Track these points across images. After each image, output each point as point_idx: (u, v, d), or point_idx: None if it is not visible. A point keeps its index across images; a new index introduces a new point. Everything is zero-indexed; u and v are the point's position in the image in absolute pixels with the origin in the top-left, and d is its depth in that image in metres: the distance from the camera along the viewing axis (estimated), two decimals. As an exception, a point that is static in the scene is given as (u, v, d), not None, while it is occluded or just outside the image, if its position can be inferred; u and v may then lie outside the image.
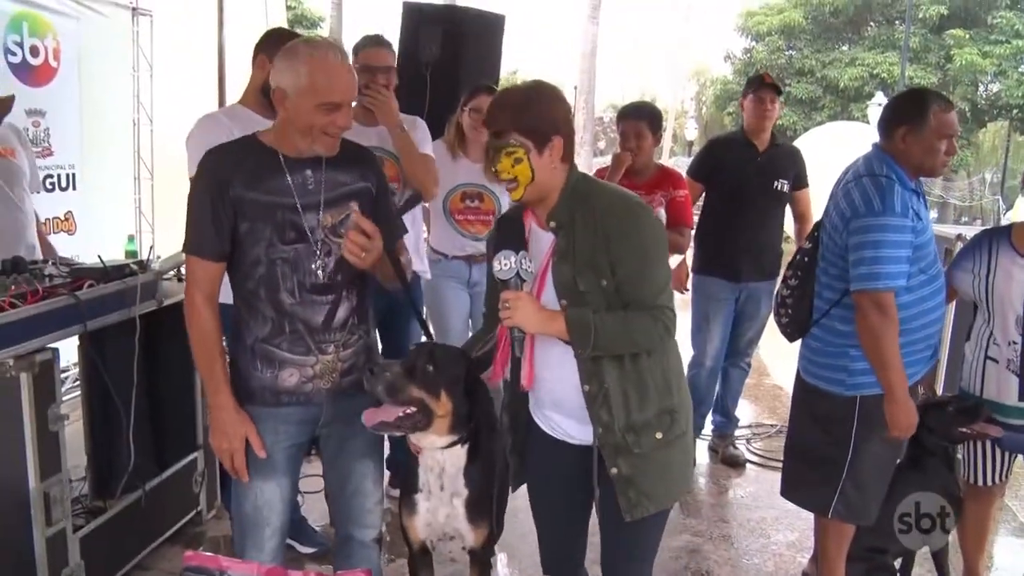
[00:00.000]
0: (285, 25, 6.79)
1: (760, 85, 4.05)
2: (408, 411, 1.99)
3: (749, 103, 4.06)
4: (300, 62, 1.92)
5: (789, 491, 2.84)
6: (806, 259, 2.75)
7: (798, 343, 2.80)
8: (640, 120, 3.67)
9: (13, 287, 2.47)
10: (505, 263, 1.90)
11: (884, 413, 2.52)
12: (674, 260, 4.06)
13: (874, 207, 2.45)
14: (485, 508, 2.17)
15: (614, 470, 1.93)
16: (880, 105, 19.43)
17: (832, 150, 9.04)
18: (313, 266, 2.02)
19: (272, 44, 2.79)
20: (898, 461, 2.76)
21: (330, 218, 2.04)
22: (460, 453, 2.12)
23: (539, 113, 1.88)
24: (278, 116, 2.01)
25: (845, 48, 24.40)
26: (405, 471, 2.29)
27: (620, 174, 3.59)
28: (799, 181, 4.12)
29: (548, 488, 2.15)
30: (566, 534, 2.19)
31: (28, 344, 2.36)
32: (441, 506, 2.17)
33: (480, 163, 3.68)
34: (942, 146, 2.51)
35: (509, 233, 1.99)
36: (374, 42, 3.13)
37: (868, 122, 18.66)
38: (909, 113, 2.53)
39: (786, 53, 24.35)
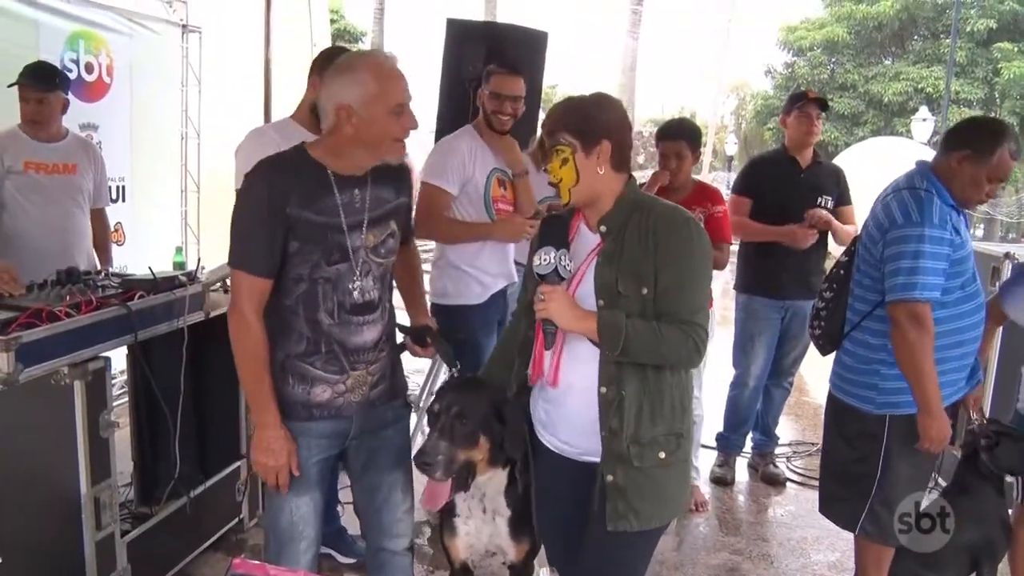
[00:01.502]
0: (328, 40, 6.90)
1: (806, 100, 4.00)
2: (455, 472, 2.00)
3: (794, 119, 4.00)
4: (362, 71, 1.93)
5: (824, 507, 2.82)
6: (842, 272, 2.74)
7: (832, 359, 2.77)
8: (679, 140, 3.66)
9: (68, 297, 2.54)
10: (545, 258, 1.92)
11: (915, 432, 2.48)
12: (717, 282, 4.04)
13: (912, 218, 2.42)
14: (526, 524, 2.18)
15: (609, 477, 1.93)
16: (925, 120, 19.19)
17: (875, 167, 8.95)
18: (351, 286, 2.03)
19: (323, 62, 2.85)
20: (944, 485, 2.71)
21: (373, 238, 2.06)
22: (501, 477, 2.13)
23: (589, 115, 1.92)
24: (333, 134, 1.98)
25: (889, 62, 24.06)
26: None
27: (654, 191, 3.58)
28: (842, 199, 4.08)
29: (550, 504, 2.15)
30: (569, 546, 2.16)
31: (82, 353, 2.42)
32: (484, 526, 2.19)
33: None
34: (988, 186, 2.49)
35: (552, 231, 2.01)
36: (510, 70, 3.20)
37: (912, 137, 18.39)
38: (979, 140, 2.49)
39: (828, 68, 24.09)
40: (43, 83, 3.46)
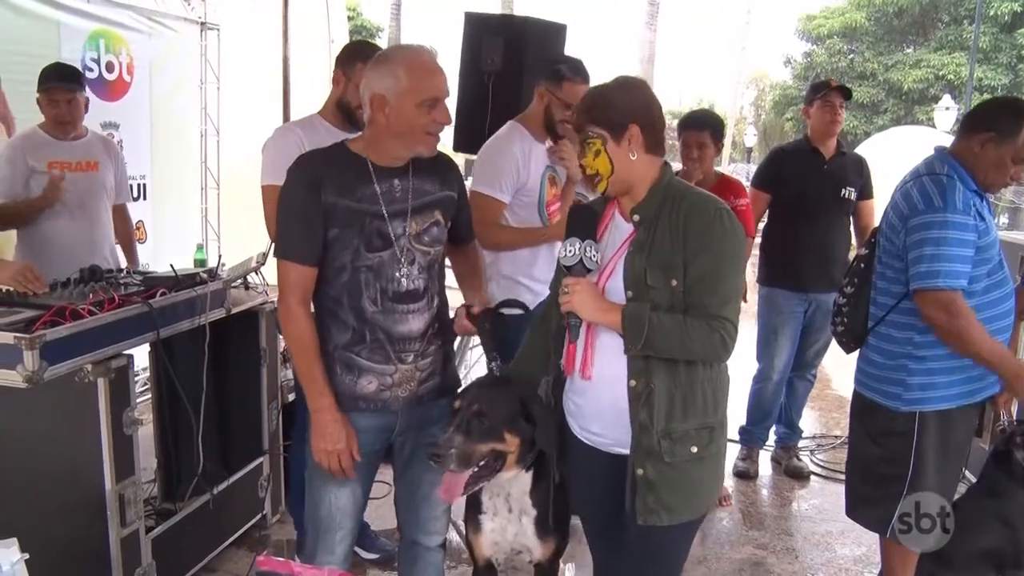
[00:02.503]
0: (346, 36, 6.90)
1: (829, 89, 3.95)
2: (479, 465, 1.98)
3: (817, 109, 3.96)
4: (396, 64, 1.96)
5: (852, 510, 2.73)
6: (862, 265, 2.66)
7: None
8: (702, 130, 3.62)
9: (92, 295, 2.56)
10: (570, 249, 1.91)
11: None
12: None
13: (934, 203, 2.36)
14: (553, 523, 2.16)
15: (640, 471, 1.91)
16: (948, 109, 18.90)
17: (898, 157, 8.82)
18: (397, 274, 2.04)
19: (346, 58, 2.87)
20: (968, 488, 2.65)
21: (415, 225, 2.06)
22: (525, 479, 2.11)
23: (611, 102, 1.90)
24: (370, 125, 2.02)
25: (910, 50, 23.79)
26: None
27: None
28: (865, 191, 4.03)
29: (585, 494, 2.14)
30: (611, 538, 2.15)
31: (105, 350, 2.44)
32: (509, 525, 2.17)
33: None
34: (1013, 168, 2.42)
35: (580, 221, 1.98)
36: (582, 77, 2.95)
37: (934, 126, 18.16)
38: (1001, 122, 2.41)
39: (847, 56, 23.86)
40: (71, 82, 3.49)
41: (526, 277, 3.02)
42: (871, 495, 2.62)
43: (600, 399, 1.99)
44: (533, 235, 3.02)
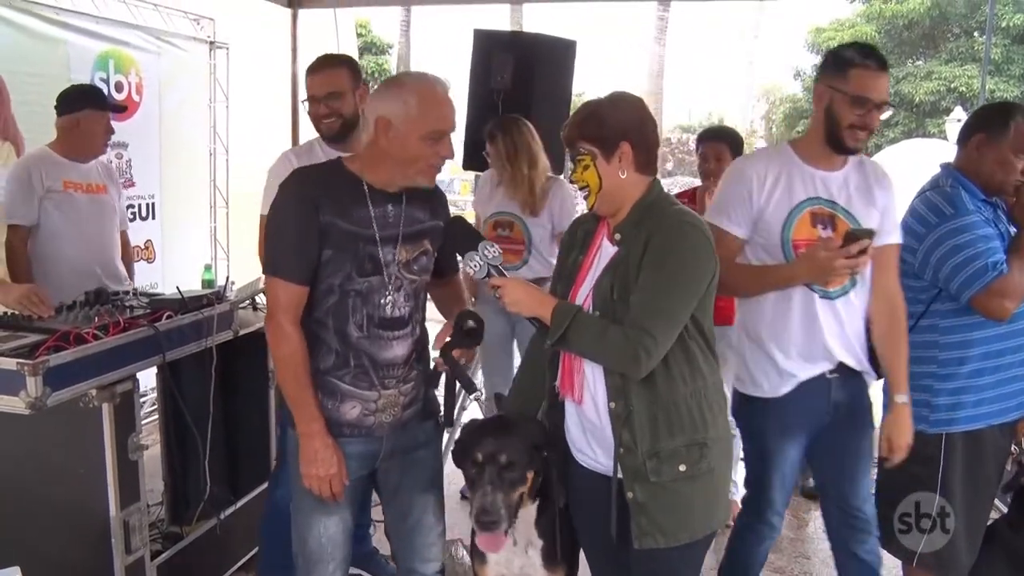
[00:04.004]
0: (356, 54, 6.92)
1: None
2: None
3: None
4: (408, 91, 1.93)
5: (887, 542, 2.59)
6: None
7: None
8: (721, 142, 3.59)
9: (97, 318, 2.54)
10: (474, 264, 1.92)
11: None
12: None
13: (945, 213, 2.34)
14: (561, 553, 2.11)
15: (630, 494, 1.88)
16: (960, 121, 18.78)
17: (910, 170, 8.71)
18: (383, 300, 2.00)
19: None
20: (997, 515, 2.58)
21: (405, 253, 2.03)
22: (530, 509, 2.07)
23: (603, 120, 1.88)
24: (371, 145, 1.97)
25: (920, 62, 23.70)
26: None
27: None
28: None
29: (586, 518, 2.09)
30: (614, 565, 2.09)
31: (110, 375, 2.40)
32: (515, 558, 2.12)
33: (513, 192, 3.68)
34: (1019, 162, 2.37)
35: (459, 234, 2.01)
36: (876, 63, 2.24)
37: (946, 139, 18.05)
38: (989, 121, 2.43)
39: (858, 69, 23.78)
40: (105, 103, 3.49)
41: (773, 341, 2.32)
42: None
43: (592, 422, 1.96)
44: (766, 276, 2.31)
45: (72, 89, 3.50)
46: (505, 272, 1.95)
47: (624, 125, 1.87)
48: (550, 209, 3.67)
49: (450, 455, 2.11)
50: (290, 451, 2.08)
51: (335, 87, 2.72)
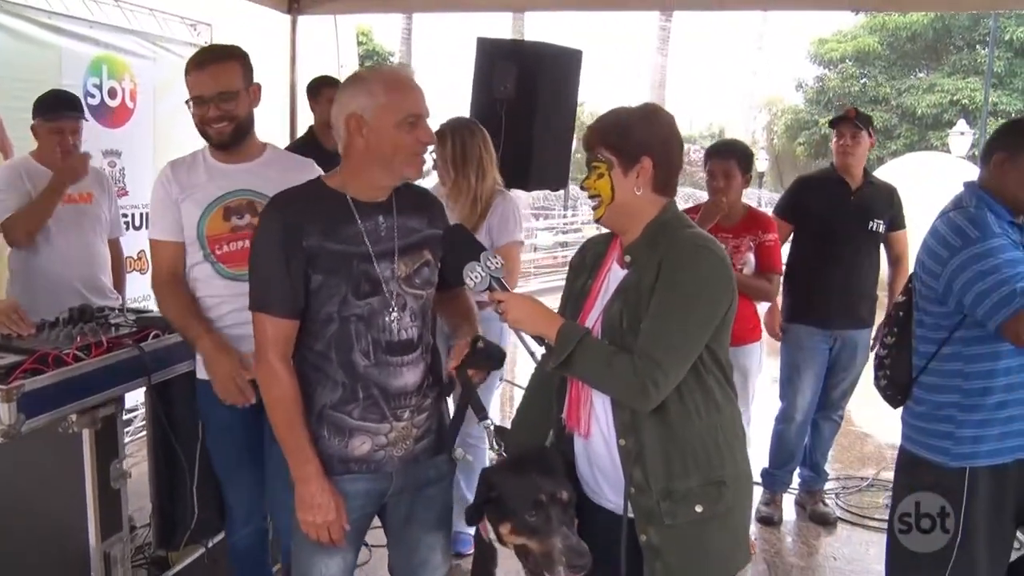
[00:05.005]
0: (356, 62, 6.82)
1: (839, 119, 3.89)
2: None
3: (833, 139, 3.90)
4: (372, 82, 1.83)
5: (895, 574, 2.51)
6: (901, 313, 2.51)
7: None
8: (729, 159, 3.47)
9: (79, 338, 2.42)
10: (475, 276, 1.80)
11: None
12: (763, 307, 3.83)
13: (971, 236, 2.22)
14: None
15: (643, 537, 1.76)
16: (963, 134, 18.77)
17: (914, 183, 8.60)
18: (388, 321, 1.87)
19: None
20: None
21: (404, 267, 1.90)
22: None
23: (629, 130, 1.77)
24: (348, 153, 1.86)
25: (923, 75, 23.69)
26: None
27: (711, 223, 3.36)
28: (895, 222, 3.88)
29: (601, 560, 1.91)
30: None
31: (91, 399, 2.28)
32: None
33: (453, 203, 3.26)
34: None
35: (460, 242, 1.90)
36: None
37: (949, 151, 18.00)
38: (1009, 137, 2.34)
39: (860, 80, 23.77)
40: (78, 110, 3.39)
41: None
42: (915, 559, 2.43)
43: (600, 456, 1.85)
44: None
45: (48, 95, 3.40)
46: (507, 286, 1.84)
47: (650, 140, 1.76)
48: (488, 224, 3.32)
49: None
50: (270, 473, 1.97)
51: (226, 85, 2.37)
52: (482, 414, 1.93)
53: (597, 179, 1.79)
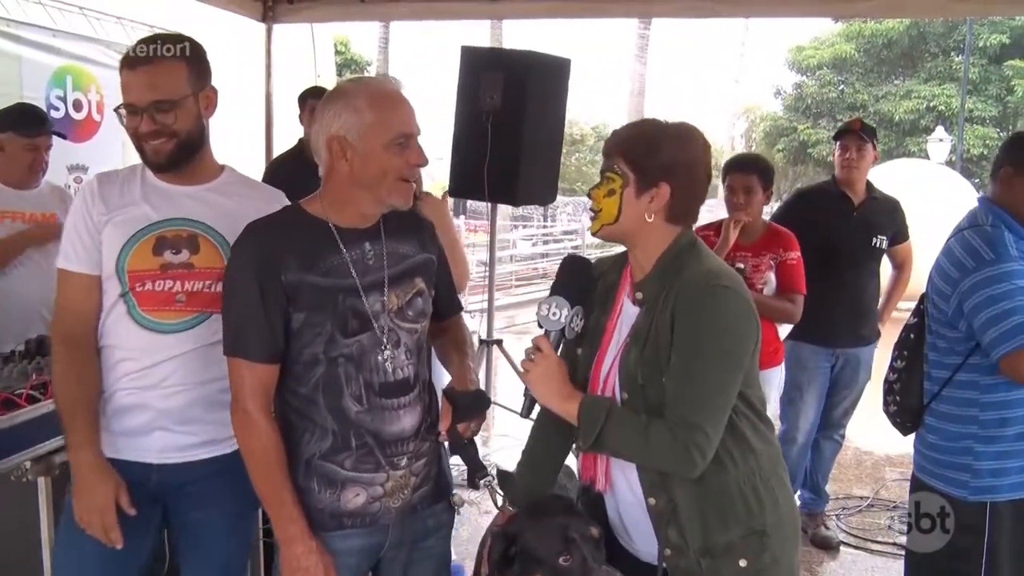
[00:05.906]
0: (333, 71, 6.65)
1: (844, 131, 3.77)
2: None
3: (836, 152, 3.77)
4: (356, 96, 1.64)
5: None
6: (912, 336, 2.41)
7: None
8: (749, 173, 3.30)
9: (34, 375, 2.22)
10: (556, 312, 1.63)
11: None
12: (783, 330, 3.65)
13: (985, 258, 2.13)
14: None
15: None
16: (941, 140, 18.88)
17: (894, 190, 8.38)
18: (380, 359, 1.69)
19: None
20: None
21: (396, 299, 1.72)
22: None
23: (654, 148, 1.60)
24: (330, 177, 1.68)
25: (899, 81, 23.85)
26: None
27: (731, 242, 3.22)
28: (898, 237, 3.78)
29: None
30: None
31: (46, 444, 2.07)
32: None
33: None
34: None
35: (576, 278, 1.71)
36: None
37: (928, 158, 18.07)
38: (1013, 153, 2.28)
39: (837, 87, 23.89)
40: (42, 124, 3.17)
41: None
42: None
43: (628, 511, 1.69)
44: None
45: (14, 108, 3.21)
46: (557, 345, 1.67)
47: (675, 164, 1.59)
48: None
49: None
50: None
51: (165, 92, 1.82)
52: (481, 472, 1.77)
53: (607, 196, 1.62)
